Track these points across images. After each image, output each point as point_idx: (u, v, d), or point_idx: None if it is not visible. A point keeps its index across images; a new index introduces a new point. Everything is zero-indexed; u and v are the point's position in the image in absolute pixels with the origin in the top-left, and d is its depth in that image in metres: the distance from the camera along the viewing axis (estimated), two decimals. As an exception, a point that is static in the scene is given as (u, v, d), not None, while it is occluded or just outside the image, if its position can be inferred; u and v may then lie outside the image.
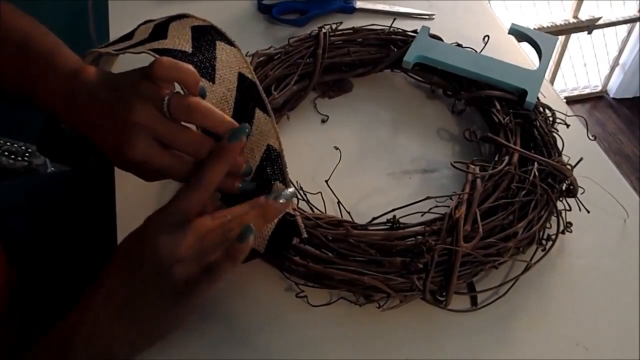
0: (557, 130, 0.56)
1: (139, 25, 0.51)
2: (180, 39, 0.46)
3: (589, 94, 2.15)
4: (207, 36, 0.48)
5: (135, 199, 0.52)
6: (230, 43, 0.50)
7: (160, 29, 0.47)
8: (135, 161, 0.40)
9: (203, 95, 0.43)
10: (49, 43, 0.46)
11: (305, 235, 0.44)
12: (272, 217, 0.42)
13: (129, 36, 0.49)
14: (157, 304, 0.37)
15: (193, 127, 0.43)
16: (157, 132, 0.40)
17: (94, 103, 0.42)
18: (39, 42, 0.45)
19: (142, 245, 0.38)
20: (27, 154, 0.75)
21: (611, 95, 2.15)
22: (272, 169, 0.47)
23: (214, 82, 0.46)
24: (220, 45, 0.48)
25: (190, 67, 0.42)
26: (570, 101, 2.10)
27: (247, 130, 0.42)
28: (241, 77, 0.48)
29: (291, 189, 0.43)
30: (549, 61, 0.61)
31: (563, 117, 0.58)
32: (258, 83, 0.49)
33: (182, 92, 0.43)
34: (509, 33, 0.66)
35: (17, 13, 0.47)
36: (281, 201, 0.41)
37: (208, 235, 0.39)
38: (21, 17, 0.47)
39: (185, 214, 0.39)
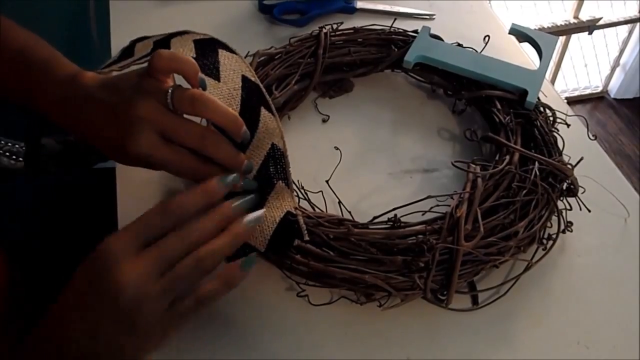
0: (558, 130, 0.56)
1: (135, 42, 0.51)
2: (184, 50, 0.47)
3: (589, 94, 2.15)
4: (209, 46, 0.49)
5: (136, 200, 0.52)
6: (231, 51, 0.50)
7: (162, 45, 0.48)
8: (139, 156, 0.40)
9: (203, 86, 0.43)
10: (46, 52, 0.46)
11: (307, 237, 0.44)
12: (242, 242, 0.39)
13: (128, 53, 0.50)
14: (129, 339, 0.35)
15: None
16: (161, 126, 0.41)
17: (93, 105, 0.42)
18: (36, 51, 0.46)
19: (103, 287, 0.34)
20: (28, 155, 0.75)
21: (612, 96, 2.15)
22: (275, 167, 0.47)
23: (219, 81, 0.47)
24: (222, 53, 0.49)
25: (190, 58, 0.42)
26: (571, 101, 2.10)
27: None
28: (245, 79, 0.48)
29: (260, 212, 0.41)
30: (550, 61, 0.61)
31: (564, 116, 0.58)
32: (261, 85, 0.49)
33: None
34: (510, 33, 0.66)
35: (16, 26, 0.48)
36: (250, 225, 0.39)
37: (179, 269, 0.36)
38: (20, 30, 0.48)
39: (146, 241, 0.36)
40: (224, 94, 0.46)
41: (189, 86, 0.43)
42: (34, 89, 0.44)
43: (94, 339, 0.34)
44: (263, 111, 0.48)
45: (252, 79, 0.49)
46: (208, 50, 0.48)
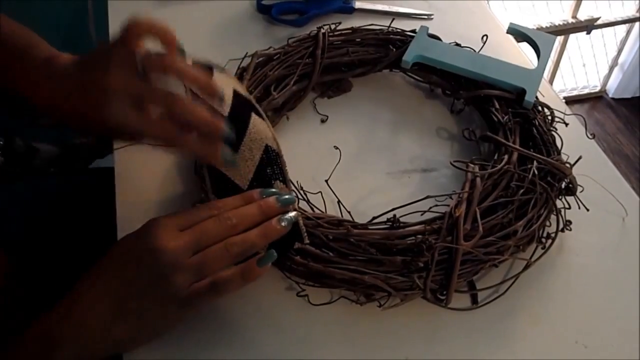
0: (556, 129, 0.56)
1: None
2: None
3: (587, 94, 2.16)
4: (205, 66, 0.50)
5: (135, 200, 0.53)
6: (225, 73, 0.51)
7: None
8: (113, 125, 0.41)
9: (183, 53, 0.44)
10: (29, 39, 0.47)
11: (307, 241, 0.44)
12: (273, 238, 0.41)
13: None
14: (153, 308, 0.37)
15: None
16: (132, 93, 0.41)
17: (69, 82, 0.43)
18: (20, 38, 0.47)
19: (144, 248, 0.38)
20: (27, 155, 0.75)
21: (610, 95, 2.15)
22: (271, 169, 0.47)
23: None
24: (216, 73, 0.50)
25: (166, 25, 0.43)
26: (569, 101, 2.10)
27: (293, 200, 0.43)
28: (236, 92, 0.49)
29: (293, 213, 0.43)
30: (548, 60, 0.62)
31: (562, 116, 0.58)
32: (252, 99, 0.50)
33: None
34: (508, 32, 0.66)
35: (2, 17, 0.48)
36: (283, 224, 0.41)
37: (211, 249, 0.39)
38: (6, 20, 0.48)
39: (190, 224, 0.40)
40: None
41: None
42: (15, 72, 0.45)
43: (125, 300, 0.37)
44: (253, 116, 0.48)
45: (243, 93, 0.50)
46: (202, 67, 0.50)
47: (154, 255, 0.37)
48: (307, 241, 0.44)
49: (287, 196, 0.43)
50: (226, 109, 0.47)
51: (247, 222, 0.41)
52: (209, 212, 0.41)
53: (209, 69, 0.50)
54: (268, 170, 0.47)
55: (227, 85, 0.49)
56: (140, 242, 0.38)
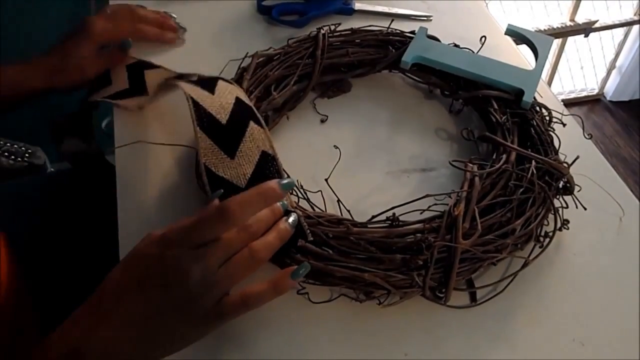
0: (554, 130, 0.56)
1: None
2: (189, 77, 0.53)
3: (585, 96, 2.16)
4: (211, 79, 0.53)
5: (136, 198, 0.53)
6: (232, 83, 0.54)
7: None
8: None
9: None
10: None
11: (310, 238, 0.44)
12: (286, 239, 0.42)
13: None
14: (183, 328, 0.37)
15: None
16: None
17: None
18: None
19: (168, 267, 0.36)
20: (27, 155, 0.76)
21: (608, 98, 2.16)
22: (269, 170, 0.47)
23: (213, 94, 0.50)
24: (221, 83, 0.52)
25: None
26: (567, 104, 2.11)
27: (293, 184, 0.43)
28: (238, 99, 0.51)
29: (294, 216, 0.43)
30: (546, 61, 0.62)
31: (559, 116, 0.58)
32: (254, 108, 0.51)
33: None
34: (506, 34, 0.67)
35: None
36: (290, 226, 0.42)
37: (236, 259, 0.38)
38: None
39: (210, 237, 0.38)
40: (214, 104, 0.48)
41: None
42: None
43: (150, 321, 0.36)
44: (251, 124, 0.49)
45: (245, 100, 0.51)
46: (209, 80, 0.53)
47: (181, 279, 0.36)
48: (311, 238, 0.44)
49: (286, 181, 0.42)
50: (225, 116, 0.48)
51: (263, 226, 0.41)
52: (225, 224, 0.38)
53: (214, 79, 0.52)
54: (266, 172, 0.47)
55: (230, 92, 0.51)
56: (164, 263, 0.36)
